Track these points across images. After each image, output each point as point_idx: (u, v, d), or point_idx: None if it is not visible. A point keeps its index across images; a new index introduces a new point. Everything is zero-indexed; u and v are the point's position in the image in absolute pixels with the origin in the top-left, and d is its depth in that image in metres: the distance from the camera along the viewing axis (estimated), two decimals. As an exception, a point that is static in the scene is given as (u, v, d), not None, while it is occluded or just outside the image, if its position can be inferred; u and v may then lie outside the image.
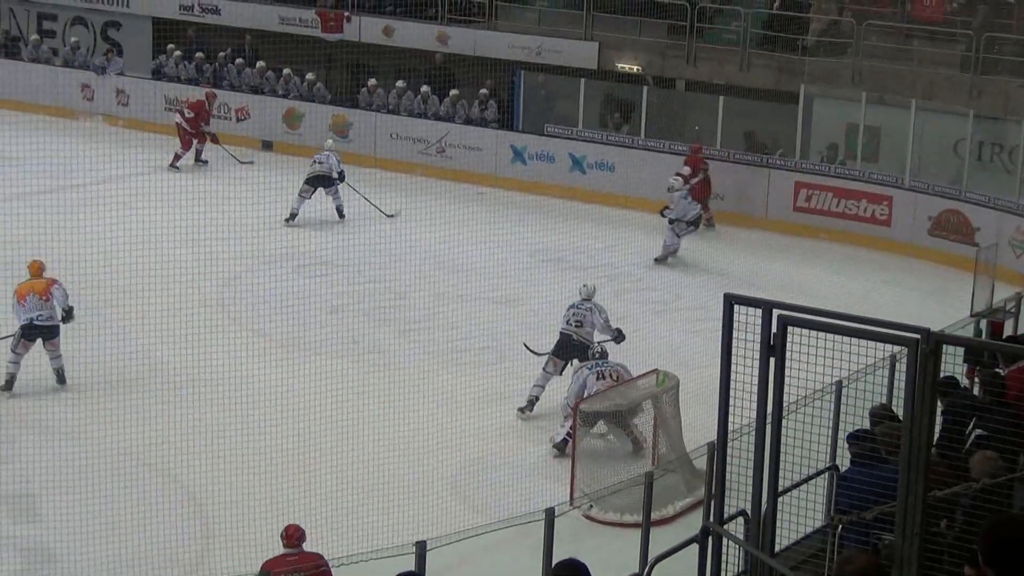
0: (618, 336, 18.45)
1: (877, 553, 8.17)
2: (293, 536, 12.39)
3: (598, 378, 16.86)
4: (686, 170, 26.01)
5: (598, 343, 17.80)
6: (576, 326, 18.28)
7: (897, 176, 26.42)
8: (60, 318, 18.41)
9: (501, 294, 21.83)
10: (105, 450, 15.92)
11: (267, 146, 31.06)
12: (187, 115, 29.88)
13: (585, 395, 16.69)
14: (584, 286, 18.80)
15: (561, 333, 18.30)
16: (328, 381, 17.33)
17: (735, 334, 8.61)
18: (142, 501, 14.79)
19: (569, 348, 18.22)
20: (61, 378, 18.30)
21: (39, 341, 18.27)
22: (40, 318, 18.20)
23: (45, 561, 14.16)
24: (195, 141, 29.95)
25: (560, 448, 16.78)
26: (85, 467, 15.30)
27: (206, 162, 29.99)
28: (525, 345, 18.91)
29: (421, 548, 10.44)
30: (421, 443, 16.75)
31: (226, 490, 15.16)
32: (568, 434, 16.58)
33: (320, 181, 26.18)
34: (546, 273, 22.92)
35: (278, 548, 12.70)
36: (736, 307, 8.60)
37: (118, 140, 28.69)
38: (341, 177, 26.18)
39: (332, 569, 11.95)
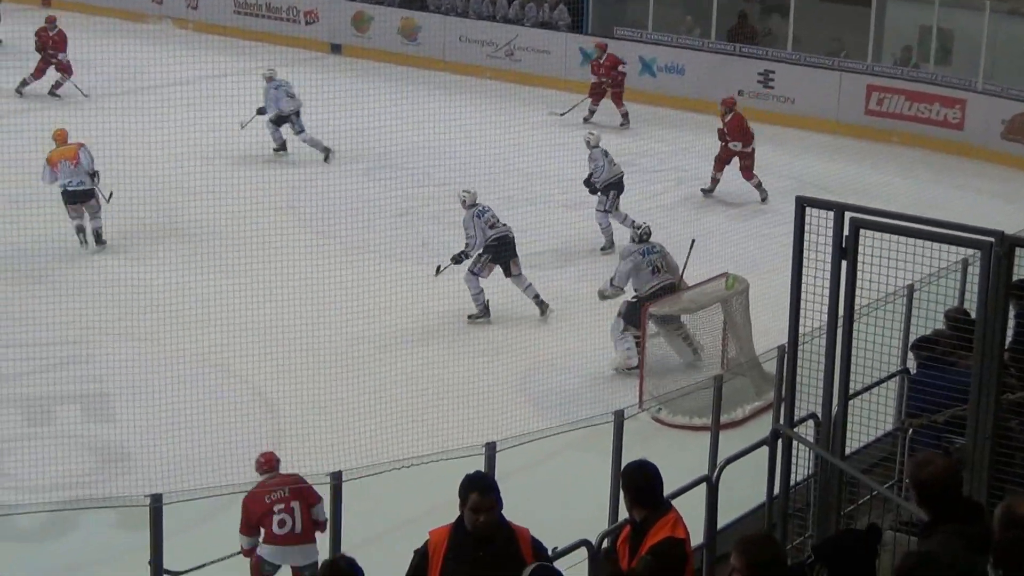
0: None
1: (948, 456, 8.13)
2: (271, 461, 11.89)
3: (649, 268, 16.73)
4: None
5: (644, 222, 17.54)
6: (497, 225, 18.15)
7: (970, 79, 26.10)
8: (91, 182, 19.38)
9: (568, 197, 21.72)
10: (178, 352, 16.09)
11: (336, 49, 30.99)
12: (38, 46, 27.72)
13: (635, 281, 16.65)
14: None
15: (498, 239, 18.05)
16: (398, 285, 17.36)
17: (807, 237, 8.56)
18: (214, 402, 14.90)
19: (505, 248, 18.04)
20: (99, 238, 19.35)
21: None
22: (72, 184, 19.23)
23: (118, 460, 14.34)
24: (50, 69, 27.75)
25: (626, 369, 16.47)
26: (157, 369, 15.48)
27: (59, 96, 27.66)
28: (438, 268, 18.66)
29: (491, 449, 10.46)
30: (490, 346, 16.79)
31: (297, 392, 15.26)
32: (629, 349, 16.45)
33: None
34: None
35: (347, 449, 12.81)
36: (808, 210, 8.56)
37: (186, 43, 28.74)
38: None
39: (405, 470, 11.79)
